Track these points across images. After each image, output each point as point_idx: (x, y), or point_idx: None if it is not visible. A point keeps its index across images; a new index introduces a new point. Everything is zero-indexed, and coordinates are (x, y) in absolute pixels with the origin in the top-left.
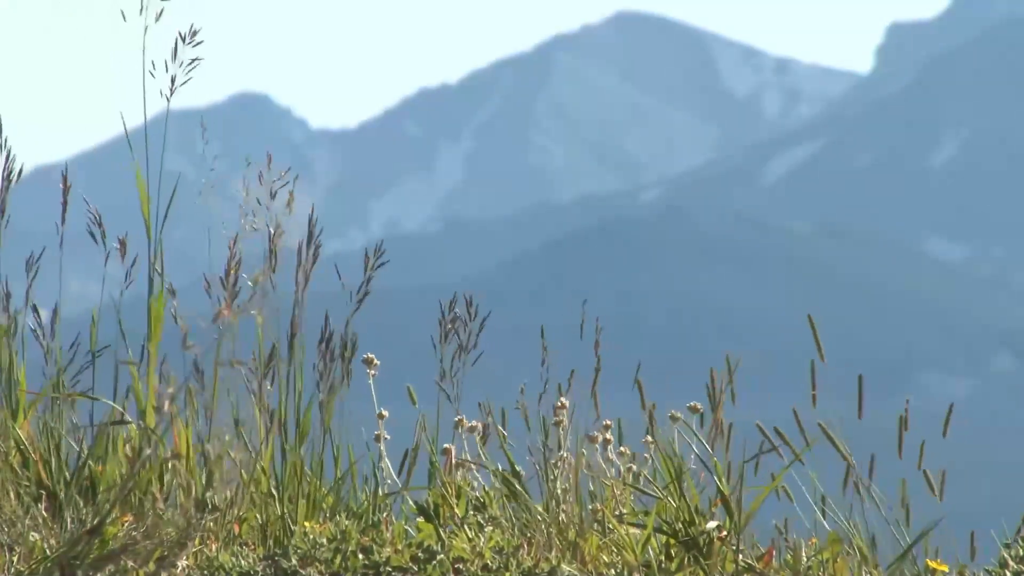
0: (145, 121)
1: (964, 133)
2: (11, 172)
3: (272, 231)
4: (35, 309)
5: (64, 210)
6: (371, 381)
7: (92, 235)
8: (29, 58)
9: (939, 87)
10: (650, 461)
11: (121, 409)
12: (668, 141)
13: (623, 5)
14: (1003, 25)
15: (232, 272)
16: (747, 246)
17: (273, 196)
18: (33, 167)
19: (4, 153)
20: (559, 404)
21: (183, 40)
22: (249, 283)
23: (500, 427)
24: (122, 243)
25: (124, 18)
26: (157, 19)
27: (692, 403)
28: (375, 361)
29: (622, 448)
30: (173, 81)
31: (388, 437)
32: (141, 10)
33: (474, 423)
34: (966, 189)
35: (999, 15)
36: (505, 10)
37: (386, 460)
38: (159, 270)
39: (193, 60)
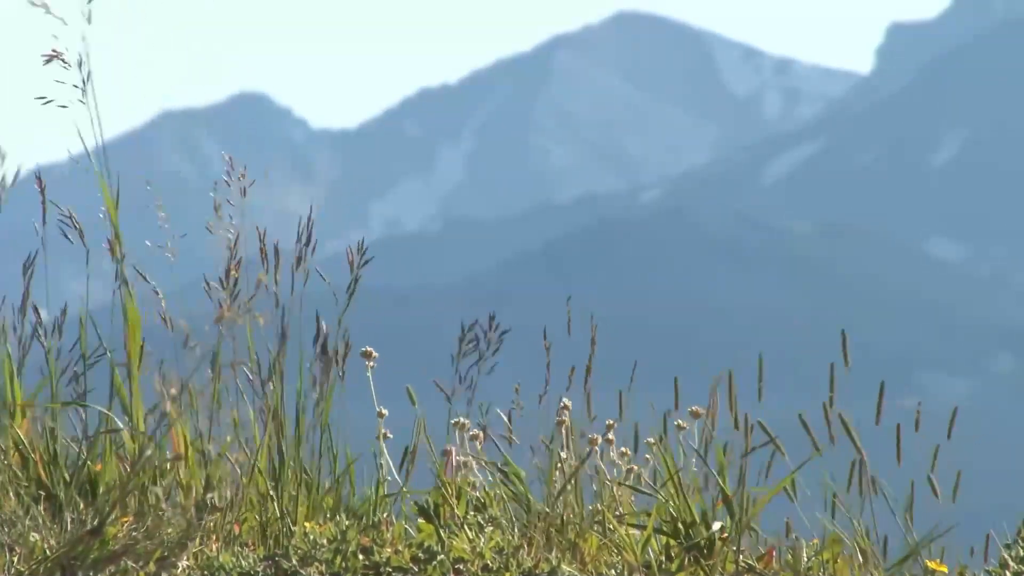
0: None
1: (964, 133)
2: (4, 175)
3: (262, 232)
4: (36, 310)
5: (44, 212)
6: (369, 373)
7: (66, 236)
8: (28, 57)
9: (939, 87)
10: (651, 462)
11: (108, 412)
12: (668, 141)
13: (623, 5)
14: (1003, 25)
15: (232, 273)
16: (747, 246)
17: (244, 194)
18: (33, 167)
19: None
20: (562, 405)
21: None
22: (256, 284)
23: (506, 425)
24: (111, 244)
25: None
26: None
27: (693, 407)
28: (374, 354)
29: (623, 449)
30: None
31: (390, 436)
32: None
33: (475, 432)
34: (966, 189)
35: (999, 15)
36: (505, 10)
37: (387, 460)
38: (128, 277)
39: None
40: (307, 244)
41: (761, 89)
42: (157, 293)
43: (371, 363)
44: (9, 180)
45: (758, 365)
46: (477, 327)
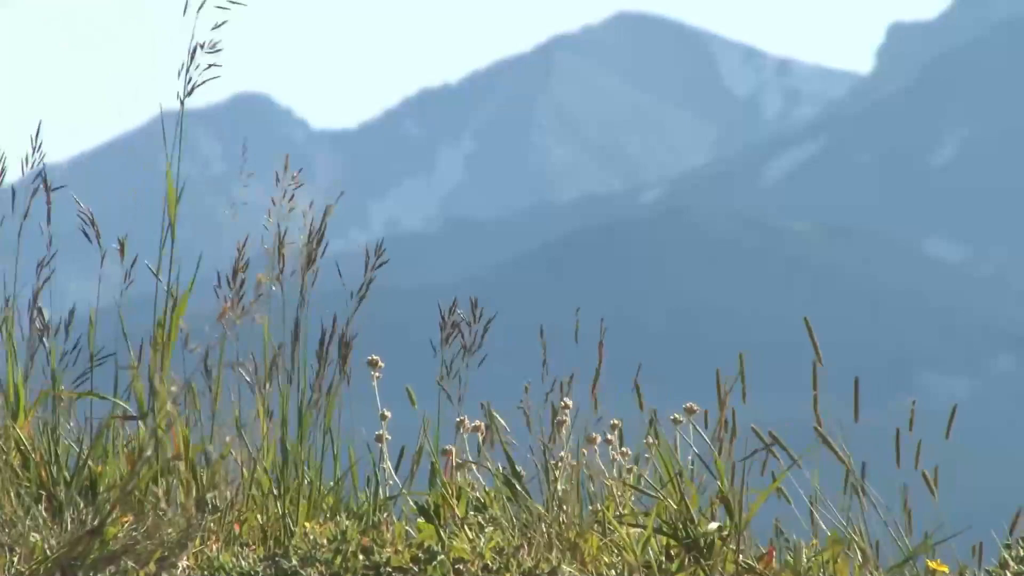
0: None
1: (964, 133)
2: (40, 174)
3: (279, 234)
4: (40, 311)
5: (49, 211)
6: (375, 383)
7: (85, 235)
8: (28, 57)
9: (939, 87)
10: (651, 462)
11: (125, 405)
12: (668, 141)
13: (623, 5)
14: (1003, 25)
15: (239, 273)
16: (747, 246)
17: (274, 203)
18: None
19: (37, 156)
20: (562, 404)
21: (201, 48)
22: (255, 284)
23: (502, 426)
24: (121, 244)
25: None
26: (196, 12)
27: (688, 403)
28: (380, 363)
29: (623, 449)
30: (189, 83)
31: (390, 437)
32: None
33: (476, 423)
34: (966, 189)
35: (999, 15)
36: (505, 10)
37: (387, 461)
38: (161, 273)
39: (211, 65)
40: (316, 246)
41: (761, 89)
42: (169, 292)
43: (376, 373)
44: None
45: (739, 365)
46: (459, 317)
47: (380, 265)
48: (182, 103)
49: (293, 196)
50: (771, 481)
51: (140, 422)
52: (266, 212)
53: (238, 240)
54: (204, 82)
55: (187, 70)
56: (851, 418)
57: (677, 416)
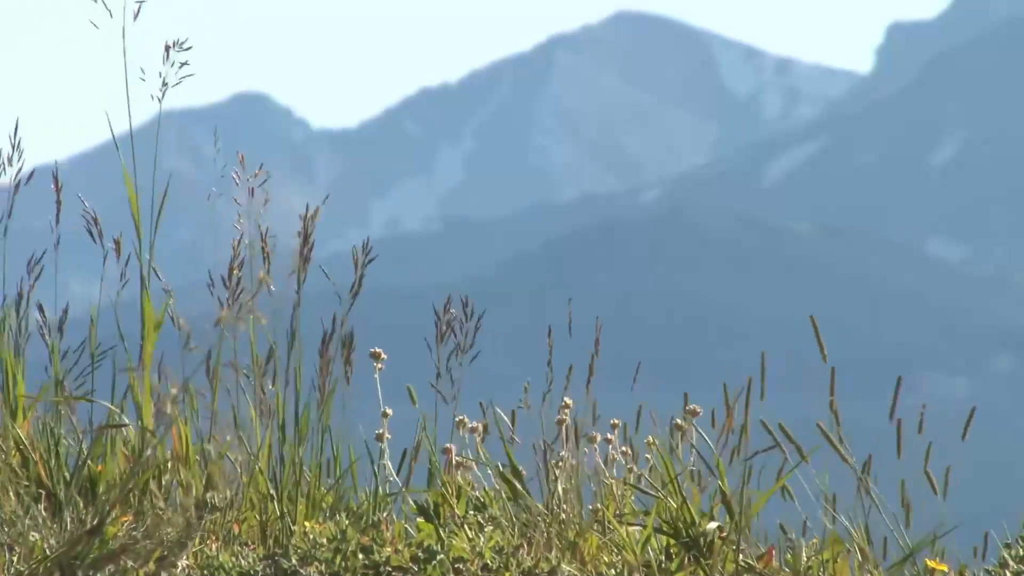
0: (131, 124)
1: (964, 133)
2: (20, 172)
3: (263, 231)
4: (40, 308)
5: (58, 210)
6: (377, 375)
7: (90, 234)
8: (28, 57)
9: (939, 87)
10: (651, 461)
11: (118, 411)
12: (668, 141)
13: (623, 5)
14: (1003, 25)
15: (234, 272)
16: (747, 246)
17: (252, 195)
18: (32, 167)
19: (16, 155)
20: (563, 403)
21: (172, 48)
22: (250, 284)
23: (507, 424)
24: (117, 243)
25: (107, 16)
26: (135, 18)
27: (692, 406)
28: (382, 355)
29: (624, 448)
30: (164, 84)
31: (390, 436)
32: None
33: (475, 424)
34: (966, 189)
35: (999, 15)
36: (505, 10)
37: (387, 459)
38: (149, 272)
39: (183, 64)
40: (307, 243)
41: (761, 89)
42: (168, 292)
43: (379, 364)
44: (18, 180)
45: (760, 363)
46: (452, 316)
47: (369, 262)
48: (160, 103)
49: (266, 190)
50: (773, 481)
51: (139, 421)
52: (238, 213)
53: (232, 239)
54: (179, 81)
55: (162, 71)
56: (852, 418)
57: (679, 421)
